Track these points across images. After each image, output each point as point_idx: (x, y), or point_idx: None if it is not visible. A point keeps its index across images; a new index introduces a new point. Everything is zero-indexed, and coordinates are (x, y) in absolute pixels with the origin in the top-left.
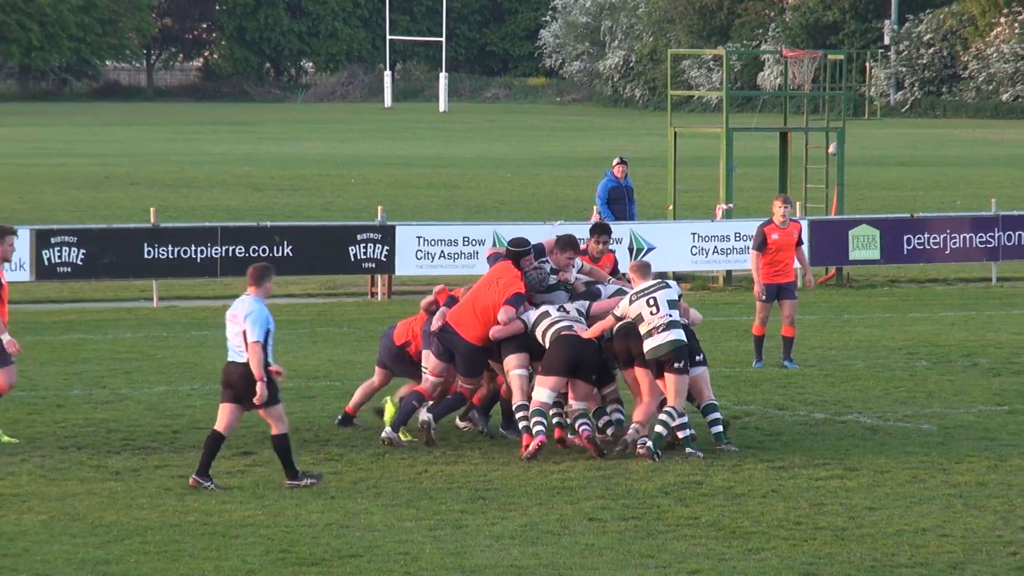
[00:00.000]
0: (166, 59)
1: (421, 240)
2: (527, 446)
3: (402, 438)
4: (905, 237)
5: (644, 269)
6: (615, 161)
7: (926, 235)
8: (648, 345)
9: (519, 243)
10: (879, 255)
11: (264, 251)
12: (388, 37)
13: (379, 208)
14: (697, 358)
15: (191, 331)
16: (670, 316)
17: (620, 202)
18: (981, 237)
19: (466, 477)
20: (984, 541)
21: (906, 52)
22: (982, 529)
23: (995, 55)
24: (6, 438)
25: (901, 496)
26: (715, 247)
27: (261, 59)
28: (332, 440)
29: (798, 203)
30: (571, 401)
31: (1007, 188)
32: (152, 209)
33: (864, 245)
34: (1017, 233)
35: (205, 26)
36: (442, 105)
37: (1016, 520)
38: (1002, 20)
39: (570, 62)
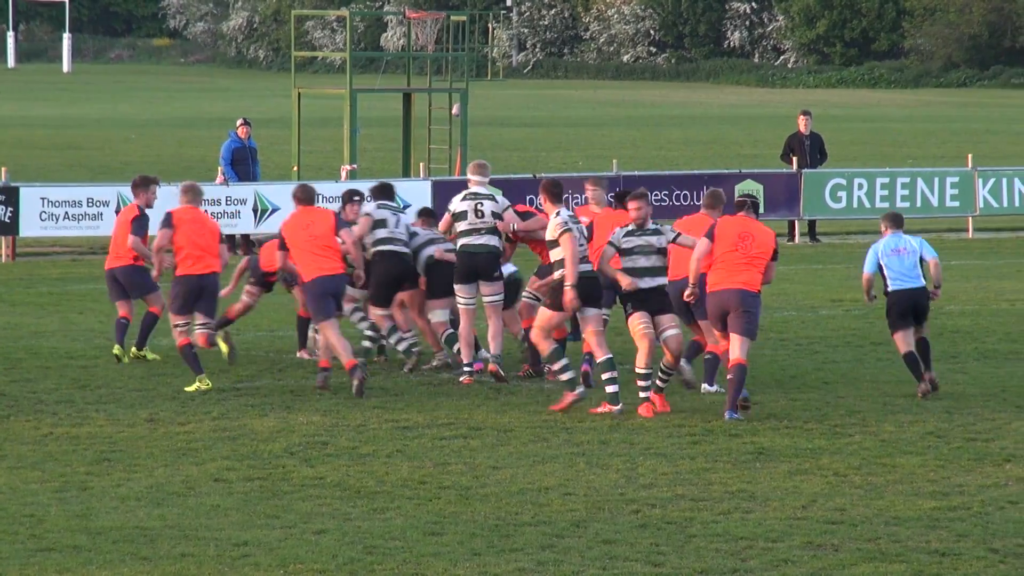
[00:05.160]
0: None
1: (45, 201)
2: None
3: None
4: (528, 198)
5: (898, 220)
6: (239, 122)
7: None
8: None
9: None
10: None
11: None
12: None
13: (2, 169)
14: None
15: None
16: None
17: (244, 163)
18: None
19: (91, 439)
20: (607, 499)
21: (528, 13)
22: (605, 487)
23: (616, 16)
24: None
25: (525, 455)
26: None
27: None
28: None
29: (421, 164)
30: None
31: (627, 148)
32: None
33: None
34: None
35: None
36: (66, 66)
37: (638, 478)
38: None
39: (194, 23)
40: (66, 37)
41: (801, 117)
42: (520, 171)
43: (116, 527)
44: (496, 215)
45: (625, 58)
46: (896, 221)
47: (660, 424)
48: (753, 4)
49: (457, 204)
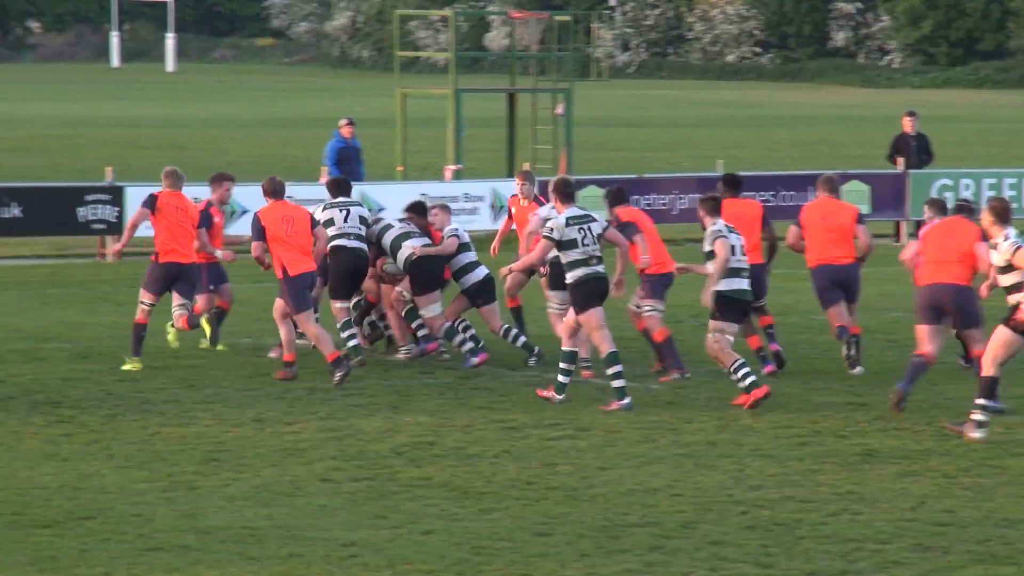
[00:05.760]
0: None
1: None
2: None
3: None
4: (633, 198)
5: (944, 207)
6: (343, 122)
7: (654, 196)
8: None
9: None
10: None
11: None
12: None
13: (108, 169)
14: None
15: None
16: None
17: (348, 163)
18: None
19: (199, 439)
20: (715, 500)
21: (632, 13)
22: (712, 488)
23: (720, 16)
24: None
25: (632, 456)
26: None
27: None
28: (64, 402)
29: (525, 164)
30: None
31: (733, 148)
32: None
33: (592, 206)
34: (744, 194)
35: None
36: (170, 65)
37: (746, 479)
38: None
39: (298, 23)
40: (170, 37)
41: (906, 118)
42: (625, 171)
43: (224, 527)
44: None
45: (729, 58)
46: (943, 208)
47: (768, 425)
48: (858, 4)
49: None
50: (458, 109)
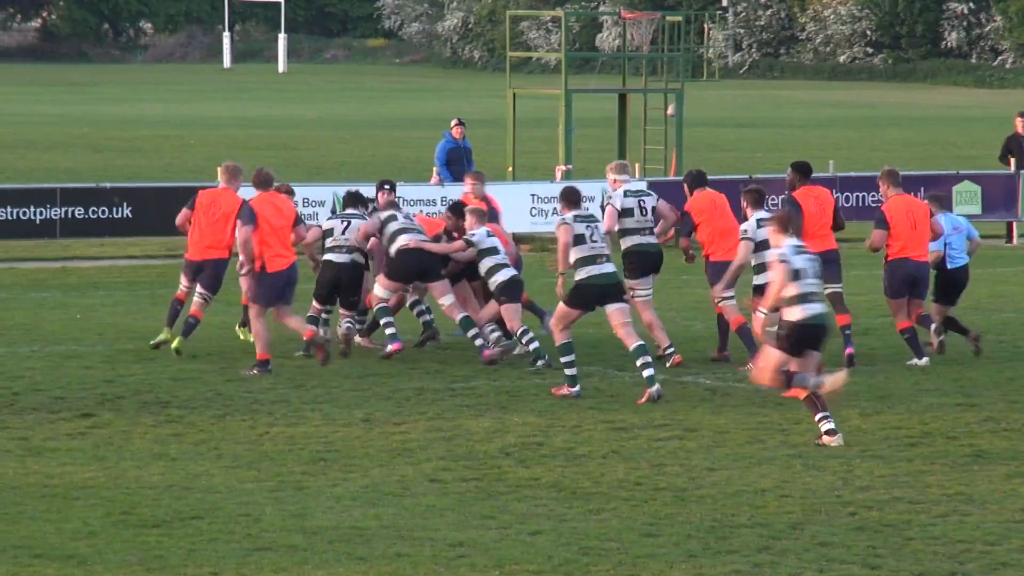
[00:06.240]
0: (3, 20)
1: None
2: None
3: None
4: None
5: (945, 200)
6: (453, 122)
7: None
8: None
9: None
10: None
11: (103, 212)
12: None
13: (219, 169)
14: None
15: (30, 292)
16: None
17: (459, 163)
18: None
19: (307, 439)
20: (823, 501)
21: (744, 13)
22: (821, 489)
23: (832, 17)
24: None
25: (740, 457)
26: (555, 208)
27: (99, 20)
28: (172, 402)
29: (636, 164)
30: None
31: (844, 149)
32: None
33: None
34: (855, 194)
35: None
36: (281, 66)
37: (855, 480)
38: None
39: (409, 23)
40: (281, 37)
41: (1018, 118)
42: (736, 172)
43: (332, 527)
44: (654, 209)
45: (841, 59)
46: (944, 202)
47: (876, 426)
48: (971, 4)
49: (622, 201)
50: (569, 109)
